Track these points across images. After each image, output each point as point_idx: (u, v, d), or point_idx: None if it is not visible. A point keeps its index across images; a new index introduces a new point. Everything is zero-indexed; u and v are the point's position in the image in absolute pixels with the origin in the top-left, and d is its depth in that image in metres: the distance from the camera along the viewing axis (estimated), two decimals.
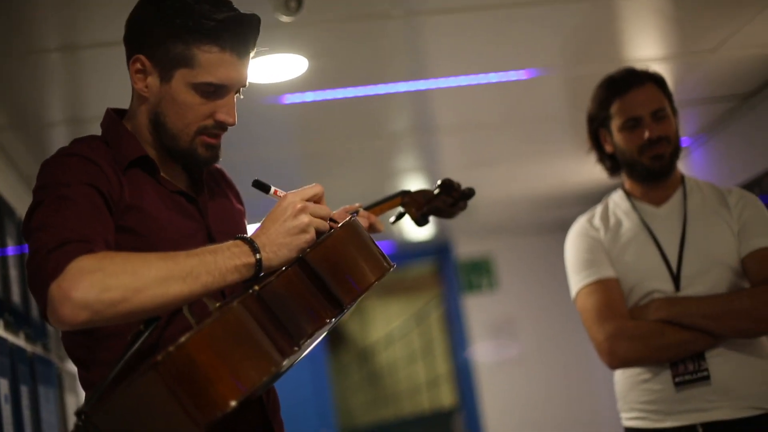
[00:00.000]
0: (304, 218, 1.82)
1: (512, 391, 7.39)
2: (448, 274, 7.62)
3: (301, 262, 1.82)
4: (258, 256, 1.77)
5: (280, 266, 1.80)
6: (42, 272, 1.73)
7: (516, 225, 7.49)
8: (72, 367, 4.48)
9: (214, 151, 2.04)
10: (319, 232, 1.84)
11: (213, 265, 1.73)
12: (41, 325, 4.12)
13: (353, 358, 13.52)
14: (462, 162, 5.72)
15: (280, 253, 1.79)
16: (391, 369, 13.26)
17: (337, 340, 12.22)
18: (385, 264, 1.92)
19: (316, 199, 1.88)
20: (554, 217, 7.15)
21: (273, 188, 1.97)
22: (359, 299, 1.88)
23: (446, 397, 10.45)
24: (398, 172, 5.88)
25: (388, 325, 12.92)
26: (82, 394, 1.98)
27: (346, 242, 1.87)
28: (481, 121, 5.02)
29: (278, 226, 1.81)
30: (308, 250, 1.82)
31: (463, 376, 7.52)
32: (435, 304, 9.59)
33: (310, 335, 1.81)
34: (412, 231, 6.97)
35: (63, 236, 1.76)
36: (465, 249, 7.57)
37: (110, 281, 1.65)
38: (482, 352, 7.46)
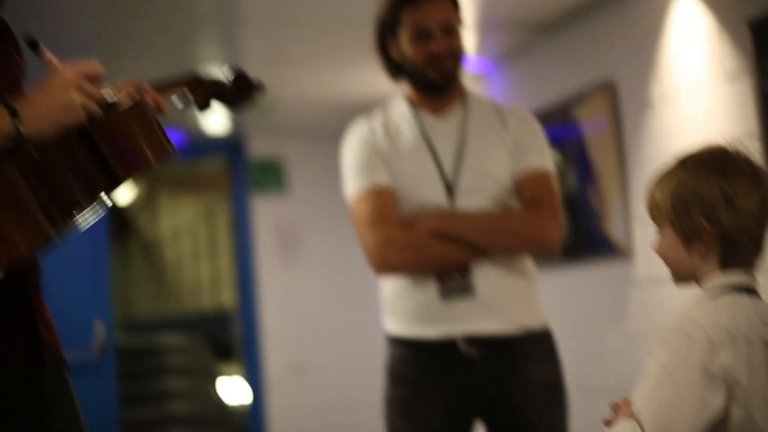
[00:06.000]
0: (75, 95, 1.73)
1: (291, 294, 7.42)
2: (239, 173, 7.54)
3: (83, 134, 1.76)
4: (17, 124, 1.67)
5: (39, 139, 1.71)
6: None
7: (311, 129, 7.44)
8: None
9: None
10: (88, 113, 1.76)
11: None
12: None
13: (138, 249, 13.33)
14: (263, 57, 5.62)
15: (41, 126, 1.70)
16: (176, 265, 13.15)
17: (123, 230, 11.99)
18: (168, 147, 1.88)
19: (92, 78, 1.79)
20: (349, 126, 7.16)
21: (44, 49, 1.86)
22: (137, 177, 1.86)
23: (227, 297, 10.43)
24: (197, 59, 5.73)
25: (177, 220, 12.77)
26: None
27: (131, 120, 1.82)
28: (285, 16, 4.94)
29: (45, 97, 1.72)
30: (92, 123, 1.76)
31: (245, 277, 7.50)
32: (224, 202, 9.50)
33: (84, 208, 1.77)
34: (205, 124, 6.87)
35: None
36: (258, 149, 7.47)
37: None
38: (266, 254, 7.45)
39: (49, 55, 1.85)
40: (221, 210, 10.37)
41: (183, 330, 11.72)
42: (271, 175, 7.46)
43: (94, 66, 1.80)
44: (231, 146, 7.55)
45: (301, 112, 6.90)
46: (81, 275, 6.50)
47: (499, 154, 2.97)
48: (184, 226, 12.62)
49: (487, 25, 5.11)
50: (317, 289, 7.48)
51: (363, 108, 6.63)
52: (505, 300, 2.90)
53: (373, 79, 5.91)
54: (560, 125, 5.10)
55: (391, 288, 3.02)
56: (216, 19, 5.06)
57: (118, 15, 4.88)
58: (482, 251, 2.87)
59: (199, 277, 12.37)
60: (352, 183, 3.02)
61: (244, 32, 5.26)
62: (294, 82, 6.03)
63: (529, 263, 3.00)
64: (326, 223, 7.44)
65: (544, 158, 2.99)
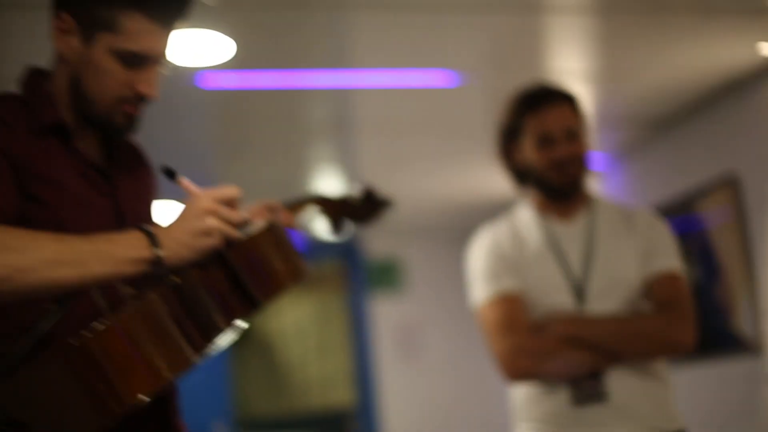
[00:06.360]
0: (211, 222, 1.76)
1: (411, 394, 7.37)
2: (356, 273, 7.58)
3: (220, 258, 1.79)
4: (156, 251, 1.71)
5: (178, 264, 1.74)
6: None
7: (428, 229, 7.47)
8: None
9: (133, 121, 1.96)
10: (226, 238, 1.79)
11: (107, 254, 1.68)
12: None
13: (255, 349, 13.42)
14: (379, 160, 5.68)
15: (179, 253, 1.74)
16: (293, 363, 13.19)
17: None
18: (302, 269, 1.90)
19: (230, 203, 1.82)
20: (468, 225, 7.14)
21: (181, 177, 1.91)
22: (273, 299, 1.85)
23: (345, 395, 10.43)
24: (312, 162, 5.83)
25: (293, 320, 12.86)
26: None
27: (266, 243, 1.85)
28: (401, 123, 5.00)
29: (183, 224, 1.76)
30: (229, 246, 1.79)
31: (364, 376, 7.49)
32: (341, 302, 9.57)
33: (222, 331, 1.79)
34: (321, 228, 6.91)
35: None
36: (375, 249, 7.52)
37: None
38: (385, 353, 7.44)
39: (186, 182, 1.89)
40: (337, 308, 10.41)
41: (299, 428, 11.72)
42: (388, 275, 7.48)
43: (230, 191, 1.83)
44: (347, 248, 7.60)
45: (418, 211, 6.91)
46: (200, 376, 6.56)
47: (628, 256, 2.93)
48: (298, 325, 12.69)
49: (605, 122, 5.11)
50: (438, 388, 7.43)
51: (479, 207, 6.67)
52: (639, 404, 2.84)
53: (487, 179, 5.94)
54: (682, 219, 5.03)
55: (521, 394, 2.98)
56: (331, 125, 5.13)
57: (234, 123, 5.01)
58: (615, 356, 2.81)
59: (315, 375, 12.38)
60: (480, 290, 3.01)
61: (359, 136, 5.32)
62: (409, 183, 6.06)
63: (661, 365, 2.93)
64: (446, 323, 7.41)
65: (675, 260, 2.95)
